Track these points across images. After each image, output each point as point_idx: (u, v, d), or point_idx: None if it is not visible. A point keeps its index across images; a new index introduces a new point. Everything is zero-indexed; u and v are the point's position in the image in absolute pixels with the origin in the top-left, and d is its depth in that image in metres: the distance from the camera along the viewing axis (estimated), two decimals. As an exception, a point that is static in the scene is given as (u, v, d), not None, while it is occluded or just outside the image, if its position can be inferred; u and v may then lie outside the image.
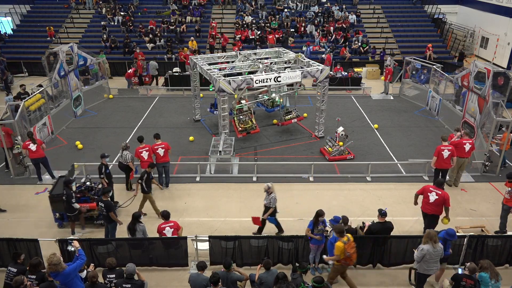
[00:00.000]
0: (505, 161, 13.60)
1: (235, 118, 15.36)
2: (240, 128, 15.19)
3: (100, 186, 11.00)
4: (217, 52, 23.03)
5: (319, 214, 8.62)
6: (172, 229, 9.09)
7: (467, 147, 12.12)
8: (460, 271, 7.83)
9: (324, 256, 8.42)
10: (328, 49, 24.79)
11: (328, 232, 8.64)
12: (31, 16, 29.62)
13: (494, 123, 12.87)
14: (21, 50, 26.46)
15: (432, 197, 9.54)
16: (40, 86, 16.66)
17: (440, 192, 9.52)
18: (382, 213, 8.97)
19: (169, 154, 12.34)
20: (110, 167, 11.59)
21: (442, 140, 11.91)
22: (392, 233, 9.10)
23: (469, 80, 14.72)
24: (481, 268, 7.50)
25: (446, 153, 11.65)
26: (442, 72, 17.64)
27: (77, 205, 10.10)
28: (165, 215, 9.22)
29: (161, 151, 11.95)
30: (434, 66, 18.19)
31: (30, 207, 11.62)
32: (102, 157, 11.26)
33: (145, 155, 11.84)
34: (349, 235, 8.06)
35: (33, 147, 12.28)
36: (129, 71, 21.58)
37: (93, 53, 20.69)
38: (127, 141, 12.78)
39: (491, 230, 10.43)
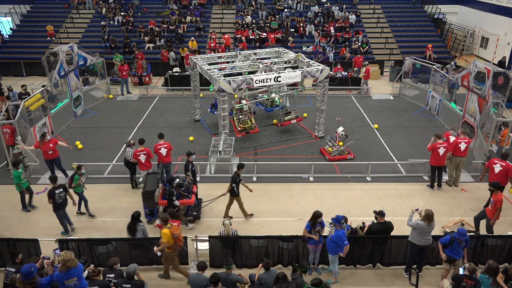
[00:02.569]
0: None
1: (235, 118, 15.36)
2: (239, 128, 15.19)
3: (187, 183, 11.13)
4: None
5: (318, 215, 8.58)
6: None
7: (463, 146, 12.14)
8: (461, 271, 7.82)
9: (155, 248, 8.51)
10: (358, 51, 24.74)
11: (330, 230, 8.62)
12: (31, 16, 29.63)
13: (494, 123, 12.87)
14: (21, 50, 26.45)
15: (497, 168, 10.65)
16: (44, 86, 16.63)
17: (504, 164, 10.61)
18: (381, 214, 9.00)
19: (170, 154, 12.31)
20: (109, 168, 11.57)
21: (437, 138, 12.00)
22: (392, 233, 9.11)
23: (469, 80, 14.71)
24: (488, 271, 7.44)
25: (441, 151, 11.87)
26: (442, 72, 17.64)
27: (177, 202, 10.28)
28: (173, 215, 9.30)
29: (163, 151, 11.93)
30: (434, 66, 18.19)
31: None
32: (189, 155, 11.36)
33: (142, 158, 11.83)
34: (172, 222, 8.52)
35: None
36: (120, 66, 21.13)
37: (93, 53, 20.69)
38: (130, 139, 12.74)
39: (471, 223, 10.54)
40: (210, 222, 10.92)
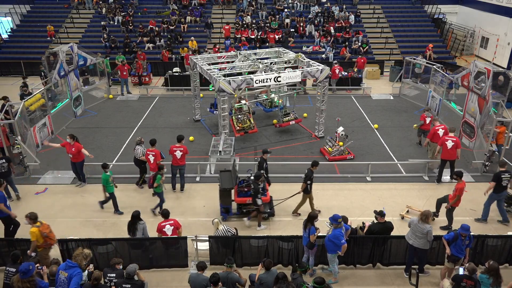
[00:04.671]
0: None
1: (233, 117, 15.35)
2: (238, 127, 15.18)
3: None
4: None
5: (314, 216, 8.65)
6: (172, 227, 9.14)
7: (441, 132, 12.82)
8: (461, 271, 7.82)
9: (28, 251, 8.52)
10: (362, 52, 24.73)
11: (328, 230, 8.63)
12: (31, 16, 29.64)
13: (494, 123, 12.87)
14: (21, 50, 26.47)
15: None
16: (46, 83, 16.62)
17: None
18: (382, 214, 9.01)
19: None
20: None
21: (450, 131, 12.40)
22: (392, 233, 9.11)
23: (469, 80, 14.71)
24: (489, 271, 7.43)
25: (449, 144, 12.04)
26: (442, 72, 17.64)
27: (260, 201, 10.26)
28: (165, 214, 9.30)
29: (178, 154, 11.93)
30: (434, 66, 18.19)
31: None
32: (265, 152, 11.51)
33: (151, 158, 11.84)
34: (42, 220, 8.59)
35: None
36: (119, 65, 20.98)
37: (95, 53, 20.70)
38: (140, 137, 12.69)
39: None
40: (210, 222, 10.89)
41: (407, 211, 11.17)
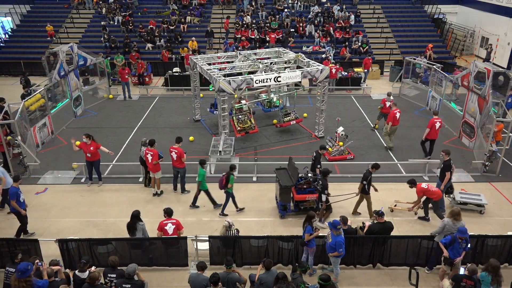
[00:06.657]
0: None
1: (234, 118, 15.35)
2: (238, 128, 15.19)
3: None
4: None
5: (312, 216, 8.73)
6: (174, 226, 9.16)
7: (398, 115, 14.51)
8: (462, 271, 7.81)
9: None
10: (368, 54, 24.66)
11: (327, 236, 8.62)
12: (31, 16, 29.64)
13: (494, 123, 12.87)
14: (21, 50, 26.47)
15: None
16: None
17: None
18: (378, 214, 9.03)
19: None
20: (109, 168, 11.53)
21: (434, 114, 13.98)
22: (392, 233, 9.11)
23: (469, 80, 14.71)
24: (487, 268, 7.42)
25: (437, 125, 13.63)
26: (442, 72, 17.64)
27: (324, 197, 10.34)
28: (169, 212, 9.33)
29: (173, 155, 11.89)
30: (434, 66, 18.20)
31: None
32: (322, 148, 11.98)
33: (149, 158, 11.85)
34: None
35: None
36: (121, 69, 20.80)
37: (96, 53, 20.70)
38: (146, 139, 12.64)
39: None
40: (210, 222, 10.92)
41: (395, 205, 11.38)
